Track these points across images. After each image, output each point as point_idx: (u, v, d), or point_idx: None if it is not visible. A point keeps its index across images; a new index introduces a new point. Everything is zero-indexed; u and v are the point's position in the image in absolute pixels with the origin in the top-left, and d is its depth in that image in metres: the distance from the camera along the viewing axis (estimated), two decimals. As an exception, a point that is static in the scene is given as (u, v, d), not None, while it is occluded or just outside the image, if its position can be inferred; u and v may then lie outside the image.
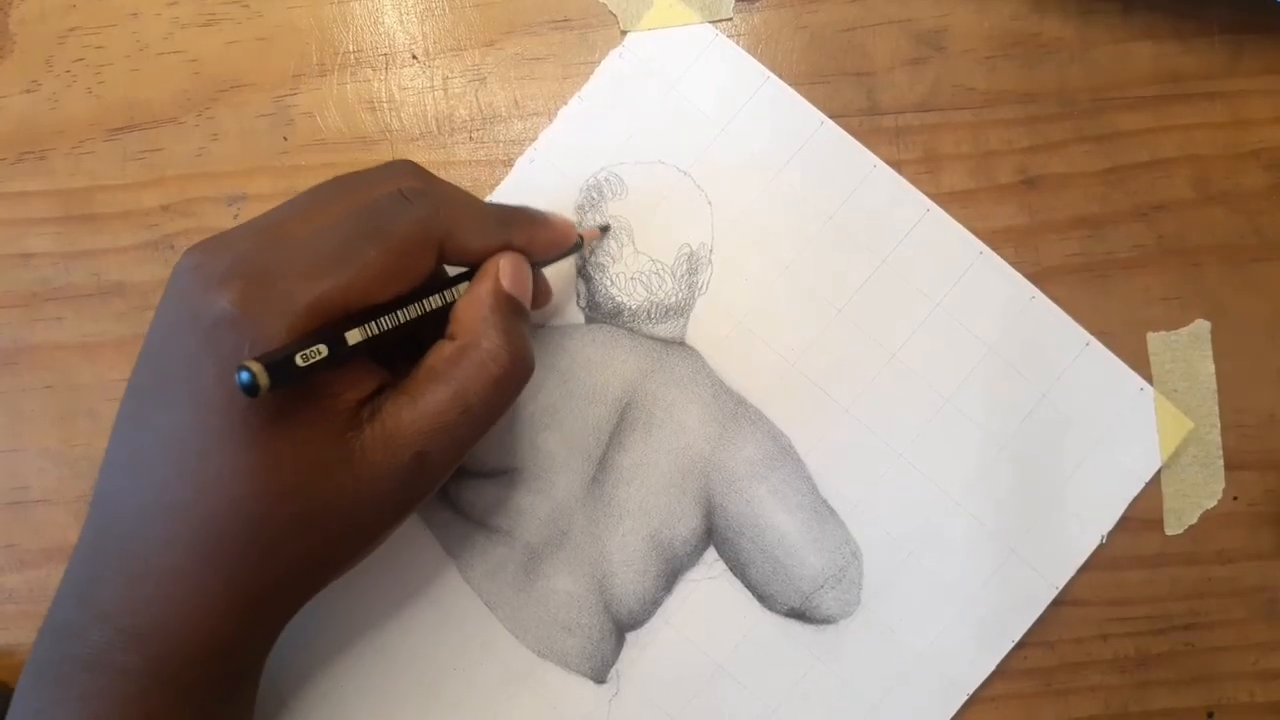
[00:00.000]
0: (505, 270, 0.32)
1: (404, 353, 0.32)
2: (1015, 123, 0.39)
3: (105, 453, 0.30)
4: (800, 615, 0.37)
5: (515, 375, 0.31)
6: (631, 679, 0.37)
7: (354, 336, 0.29)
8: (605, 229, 0.38)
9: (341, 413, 0.29)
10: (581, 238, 0.36)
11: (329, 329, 0.28)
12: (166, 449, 0.29)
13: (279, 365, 0.26)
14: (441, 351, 0.31)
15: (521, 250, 0.33)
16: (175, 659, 0.29)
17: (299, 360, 0.27)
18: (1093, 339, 0.38)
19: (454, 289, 0.32)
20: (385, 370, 0.31)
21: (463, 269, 0.33)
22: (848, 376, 0.38)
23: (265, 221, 0.30)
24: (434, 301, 0.31)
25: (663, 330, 0.38)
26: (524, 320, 0.32)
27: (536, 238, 0.33)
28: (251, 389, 0.26)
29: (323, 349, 0.28)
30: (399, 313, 0.30)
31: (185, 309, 0.29)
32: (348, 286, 0.28)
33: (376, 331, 0.29)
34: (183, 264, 0.29)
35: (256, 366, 0.26)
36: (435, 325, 0.31)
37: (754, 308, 0.38)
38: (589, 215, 0.38)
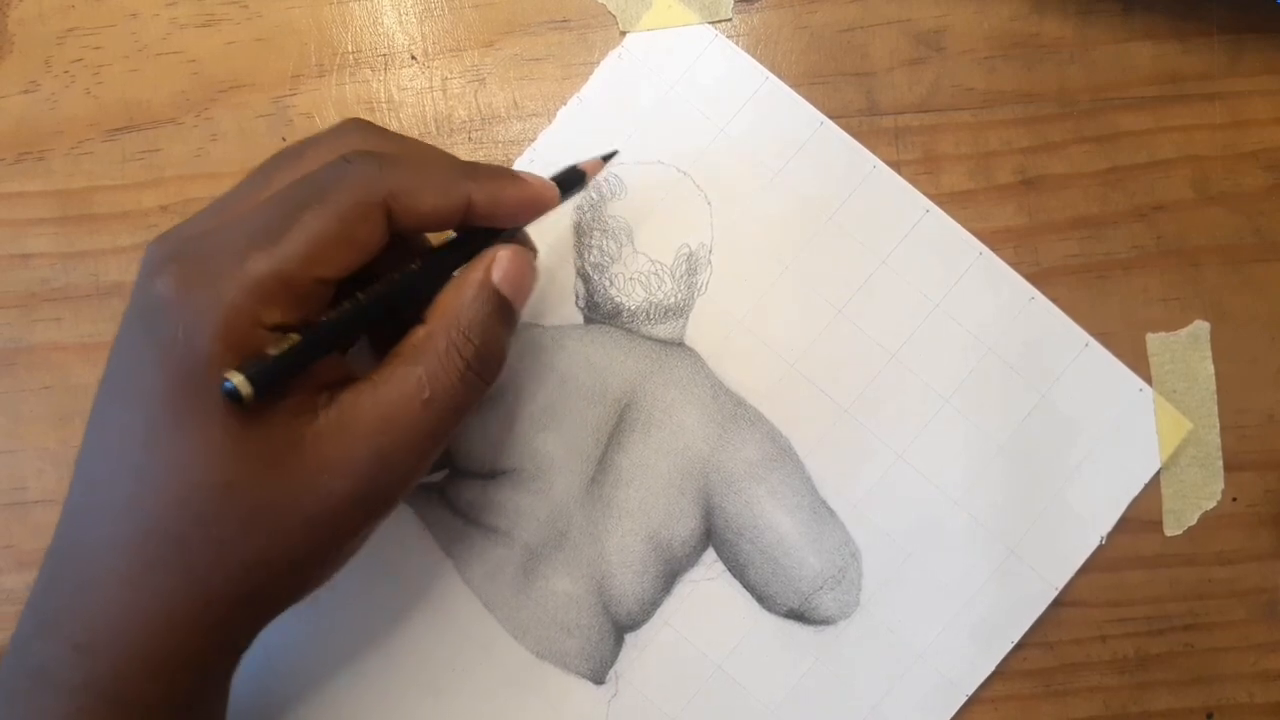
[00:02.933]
0: (501, 261, 0.30)
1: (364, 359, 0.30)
2: (1015, 123, 0.39)
3: (75, 461, 0.29)
4: (799, 616, 0.37)
5: (482, 370, 0.29)
6: (630, 680, 0.37)
7: (327, 316, 0.27)
8: (609, 156, 0.36)
9: (297, 401, 0.27)
10: (584, 173, 0.33)
11: (301, 323, 0.27)
12: (118, 448, 0.27)
13: (258, 368, 0.26)
14: (412, 337, 0.29)
15: (484, 210, 0.30)
16: (125, 674, 0.27)
17: (270, 350, 0.26)
18: (1092, 340, 0.38)
19: (426, 270, 0.30)
20: (351, 367, 0.30)
21: (463, 257, 0.31)
22: (847, 377, 0.38)
23: (215, 205, 0.29)
24: (409, 270, 0.29)
25: (662, 331, 0.38)
26: (507, 318, 0.30)
27: (503, 194, 0.30)
28: (236, 398, 0.25)
29: (294, 336, 0.27)
30: (364, 292, 0.29)
31: (133, 300, 0.28)
32: (284, 259, 0.26)
33: (348, 307, 0.28)
34: (143, 258, 0.28)
35: (238, 376, 0.25)
36: (407, 316, 0.30)
37: (753, 308, 0.38)
38: (588, 216, 0.38)
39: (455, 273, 0.31)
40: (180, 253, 0.27)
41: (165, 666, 0.27)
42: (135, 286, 0.28)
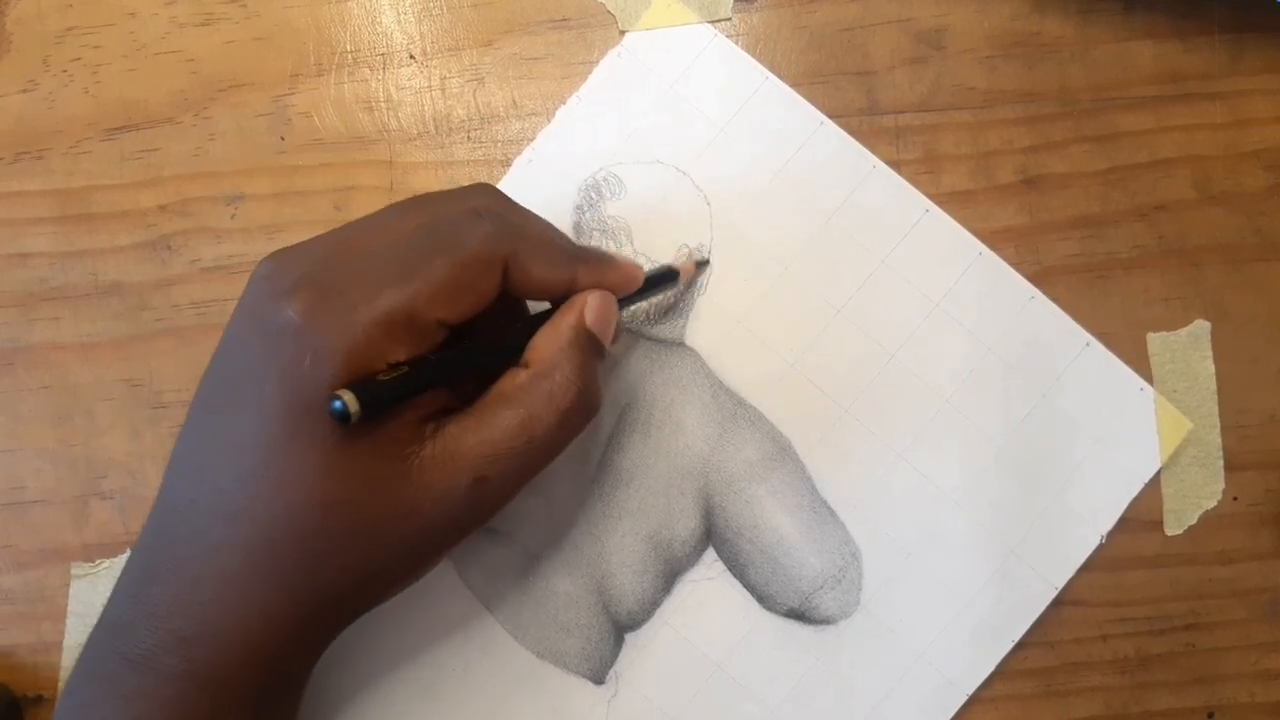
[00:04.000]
0: (592, 306, 0.32)
1: (474, 389, 0.32)
2: (1015, 122, 0.39)
3: (171, 453, 0.30)
4: (799, 616, 0.37)
5: (582, 410, 0.31)
6: (630, 680, 0.37)
7: (434, 356, 0.29)
8: (703, 264, 0.38)
9: (404, 428, 0.29)
10: (676, 273, 0.36)
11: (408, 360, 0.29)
12: (227, 455, 0.29)
13: (370, 392, 0.27)
14: (514, 379, 0.31)
15: (586, 289, 0.33)
16: (222, 665, 0.29)
17: (381, 376, 0.27)
18: (1093, 339, 0.38)
19: (528, 324, 0.32)
20: (453, 395, 0.31)
21: (544, 306, 0.33)
22: (847, 377, 0.38)
23: (341, 233, 0.31)
24: (513, 328, 0.32)
25: (662, 331, 0.38)
26: (600, 360, 0.32)
27: (604, 279, 0.33)
28: (344, 416, 0.26)
29: (403, 366, 0.28)
30: (478, 341, 0.31)
31: (253, 317, 0.29)
32: (412, 297, 0.28)
33: (454, 354, 0.30)
34: (257, 273, 0.30)
35: (348, 395, 0.26)
36: (505, 363, 0.31)
37: (753, 308, 0.38)
38: (587, 215, 0.38)
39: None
40: (312, 278, 0.29)
41: (258, 661, 0.29)
42: (251, 302, 0.29)
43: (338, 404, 0.26)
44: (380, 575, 0.30)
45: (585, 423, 0.31)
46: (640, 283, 0.35)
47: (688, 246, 0.38)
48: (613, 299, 0.33)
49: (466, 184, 0.33)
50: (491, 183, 0.39)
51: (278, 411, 0.28)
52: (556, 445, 0.31)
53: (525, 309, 0.35)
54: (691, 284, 0.38)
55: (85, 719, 0.29)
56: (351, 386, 0.27)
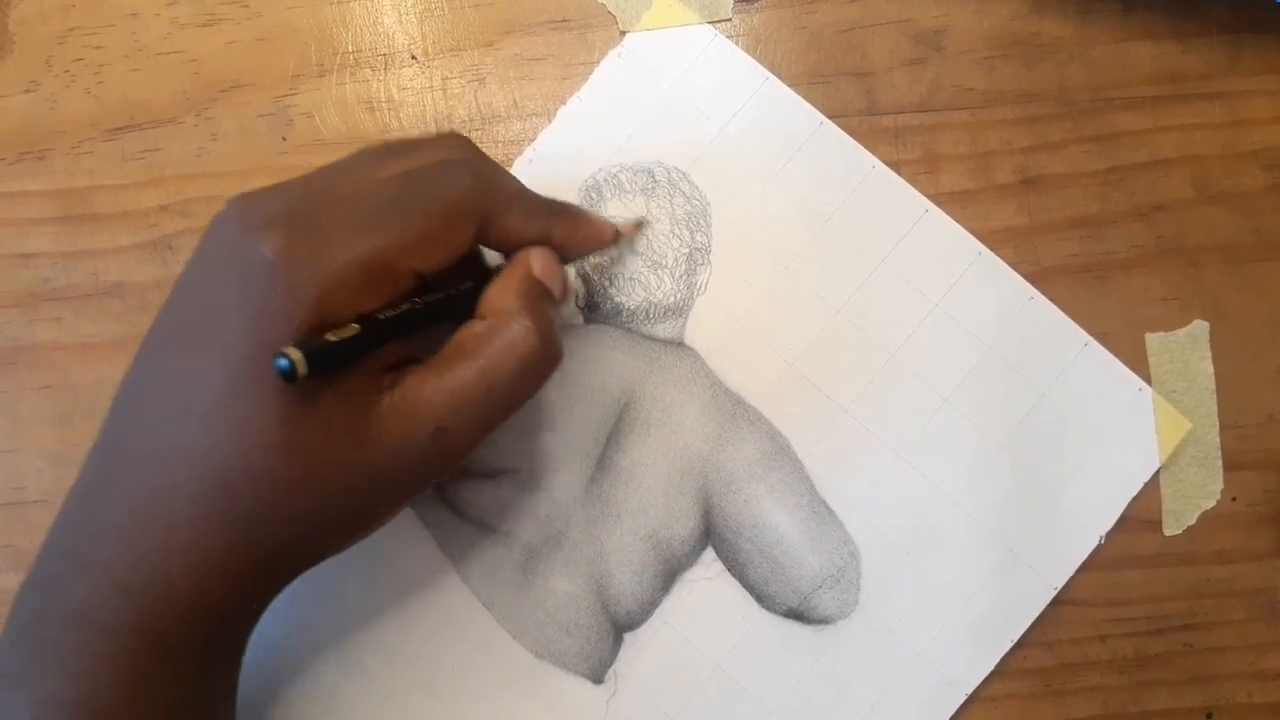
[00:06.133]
0: (537, 258, 0.32)
1: (431, 342, 0.31)
2: (1014, 123, 0.39)
3: (113, 401, 0.29)
4: (798, 615, 0.37)
5: (544, 357, 0.30)
6: (629, 679, 0.37)
7: (386, 314, 0.29)
8: (641, 224, 0.38)
9: (364, 378, 0.28)
10: (619, 233, 0.36)
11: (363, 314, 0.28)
12: (184, 393, 0.28)
13: (318, 351, 0.26)
14: (471, 329, 0.30)
15: (560, 243, 0.33)
16: (166, 617, 0.28)
17: (330, 337, 0.27)
18: (1091, 339, 0.38)
19: (483, 280, 0.32)
20: (415, 347, 0.31)
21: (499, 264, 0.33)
22: (846, 376, 0.38)
23: (314, 177, 0.30)
24: (467, 285, 0.31)
25: (661, 330, 0.38)
26: (554, 307, 0.32)
27: (577, 232, 0.33)
28: (289, 375, 0.26)
29: (355, 327, 0.27)
30: (432, 295, 0.30)
31: (221, 254, 0.28)
32: (389, 245, 0.28)
33: (407, 308, 0.29)
34: (225, 213, 0.29)
35: (296, 354, 0.26)
36: (460, 319, 0.31)
37: (752, 308, 0.38)
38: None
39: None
40: (287, 217, 0.28)
41: (205, 612, 0.28)
42: (219, 240, 0.29)
43: (283, 362, 0.26)
44: (334, 525, 0.30)
45: (548, 371, 0.31)
46: (611, 238, 0.35)
47: (687, 246, 0.38)
48: (554, 255, 0.32)
49: (440, 131, 0.33)
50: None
51: (244, 351, 0.27)
52: (518, 393, 0.30)
53: (482, 266, 0.34)
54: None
55: (19, 687, 0.27)
56: (299, 344, 0.26)
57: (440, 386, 0.29)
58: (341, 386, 0.28)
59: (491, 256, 0.34)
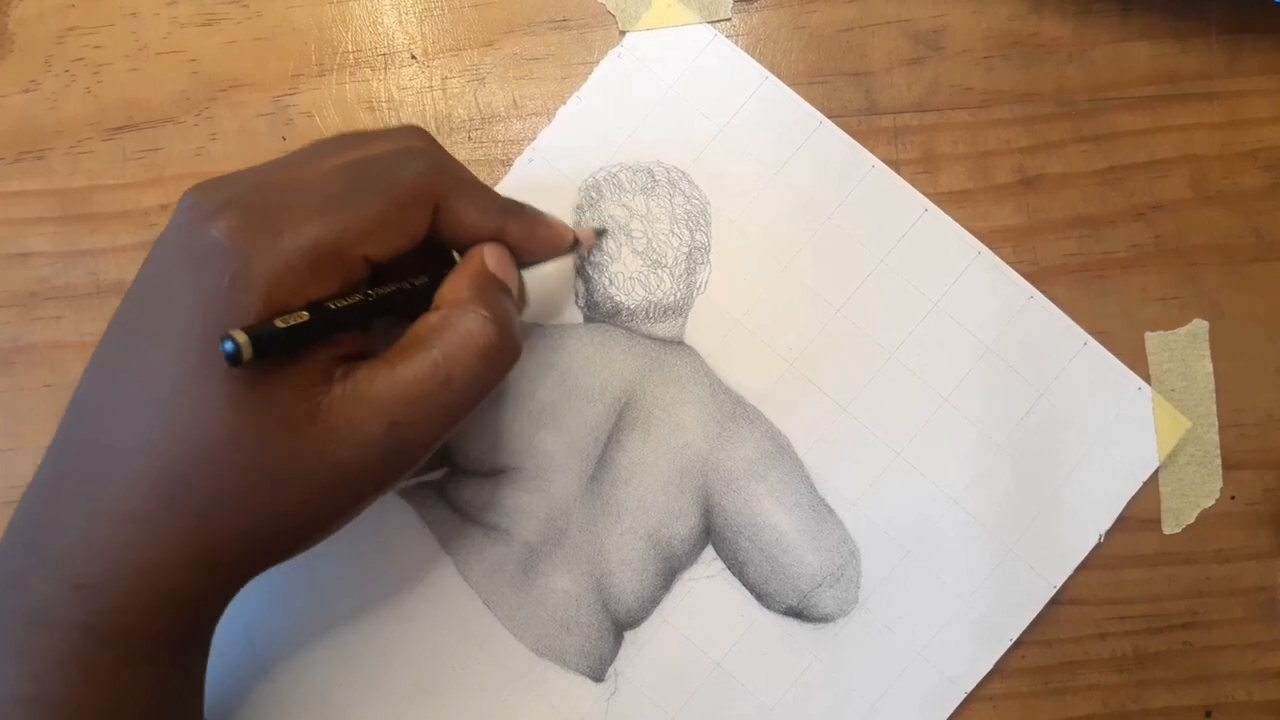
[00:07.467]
0: (490, 253, 0.32)
1: (390, 341, 0.31)
2: (1013, 123, 0.39)
3: (74, 394, 0.29)
4: (798, 614, 0.37)
5: (502, 349, 0.30)
6: (629, 677, 0.37)
7: (337, 304, 0.28)
8: (601, 232, 0.38)
9: (314, 368, 0.28)
10: (577, 240, 0.36)
11: (315, 303, 0.28)
12: (141, 385, 0.28)
13: (264, 336, 0.26)
14: (426, 320, 0.30)
15: (516, 242, 0.32)
16: (125, 614, 0.27)
17: (279, 323, 0.27)
18: (1090, 339, 0.38)
19: (438, 275, 0.32)
20: (370, 343, 0.30)
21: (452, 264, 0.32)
22: (846, 376, 0.38)
23: (269, 165, 0.30)
24: (421, 280, 0.31)
25: (661, 329, 0.38)
26: (510, 299, 0.32)
27: (534, 233, 0.33)
28: (234, 358, 0.26)
29: (304, 314, 0.27)
30: (385, 287, 0.30)
31: (176, 242, 0.28)
32: (342, 230, 0.28)
33: (359, 299, 0.29)
34: (181, 204, 0.29)
35: (242, 336, 0.26)
36: (413, 313, 0.31)
37: (752, 307, 0.38)
38: (587, 215, 0.38)
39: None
40: (240, 201, 0.28)
41: (164, 607, 0.28)
42: (178, 226, 0.29)
43: (229, 345, 0.25)
44: (291, 520, 0.29)
45: (507, 363, 0.30)
46: (569, 243, 0.35)
47: (687, 246, 0.38)
48: (507, 252, 0.32)
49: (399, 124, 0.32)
50: (491, 182, 0.39)
51: (195, 337, 0.27)
52: (477, 387, 0.30)
53: (438, 263, 0.34)
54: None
55: None
56: (245, 329, 0.26)
57: (393, 379, 0.29)
58: (292, 375, 0.28)
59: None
